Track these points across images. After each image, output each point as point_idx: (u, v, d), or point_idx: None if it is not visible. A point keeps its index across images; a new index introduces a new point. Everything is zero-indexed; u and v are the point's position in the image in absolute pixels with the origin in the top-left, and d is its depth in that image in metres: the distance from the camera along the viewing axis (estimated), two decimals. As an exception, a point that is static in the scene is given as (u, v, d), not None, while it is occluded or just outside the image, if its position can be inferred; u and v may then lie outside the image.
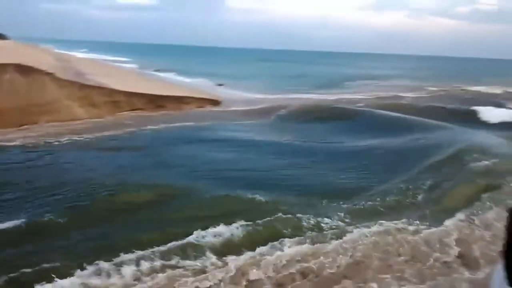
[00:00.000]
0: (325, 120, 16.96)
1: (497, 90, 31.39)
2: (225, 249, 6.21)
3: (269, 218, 7.10)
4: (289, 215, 7.25)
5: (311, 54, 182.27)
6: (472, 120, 18.06)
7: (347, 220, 7.26)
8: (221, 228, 6.69)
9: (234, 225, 6.80)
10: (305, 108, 19.30)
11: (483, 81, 42.16)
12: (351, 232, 6.75)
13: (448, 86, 34.24)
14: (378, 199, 8.37)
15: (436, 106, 21.01)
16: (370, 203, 8.19)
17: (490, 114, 19.15)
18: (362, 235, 6.63)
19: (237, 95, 26.64)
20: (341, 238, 6.53)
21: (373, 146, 12.80)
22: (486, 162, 10.39)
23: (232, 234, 6.58)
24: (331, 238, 6.55)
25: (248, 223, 6.90)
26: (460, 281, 5.61)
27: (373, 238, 6.58)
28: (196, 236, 6.44)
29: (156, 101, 19.14)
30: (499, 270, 2.54)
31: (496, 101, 23.83)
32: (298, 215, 7.29)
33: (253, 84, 34.96)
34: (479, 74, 58.63)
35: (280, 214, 7.25)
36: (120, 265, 5.68)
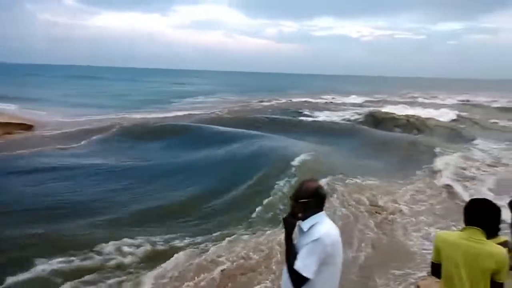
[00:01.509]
0: (154, 138, 16.44)
1: (309, 99, 36.74)
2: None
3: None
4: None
5: (134, 71, 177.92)
6: (293, 126, 20.47)
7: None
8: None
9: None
10: (132, 127, 18.46)
11: (293, 92, 47.84)
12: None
13: (267, 98, 37.71)
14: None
15: (261, 117, 22.73)
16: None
17: (306, 120, 22.31)
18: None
19: (52, 117, 23.79)
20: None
21: (198, 160, 13.09)
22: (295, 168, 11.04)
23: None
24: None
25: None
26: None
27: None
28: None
29: None
30: (284, 273, 2.75)
31: (308, 110, 27.38)
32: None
33: (70, 104, 31.98)
34: (289, 86, 66.18)
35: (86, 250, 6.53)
36: None
